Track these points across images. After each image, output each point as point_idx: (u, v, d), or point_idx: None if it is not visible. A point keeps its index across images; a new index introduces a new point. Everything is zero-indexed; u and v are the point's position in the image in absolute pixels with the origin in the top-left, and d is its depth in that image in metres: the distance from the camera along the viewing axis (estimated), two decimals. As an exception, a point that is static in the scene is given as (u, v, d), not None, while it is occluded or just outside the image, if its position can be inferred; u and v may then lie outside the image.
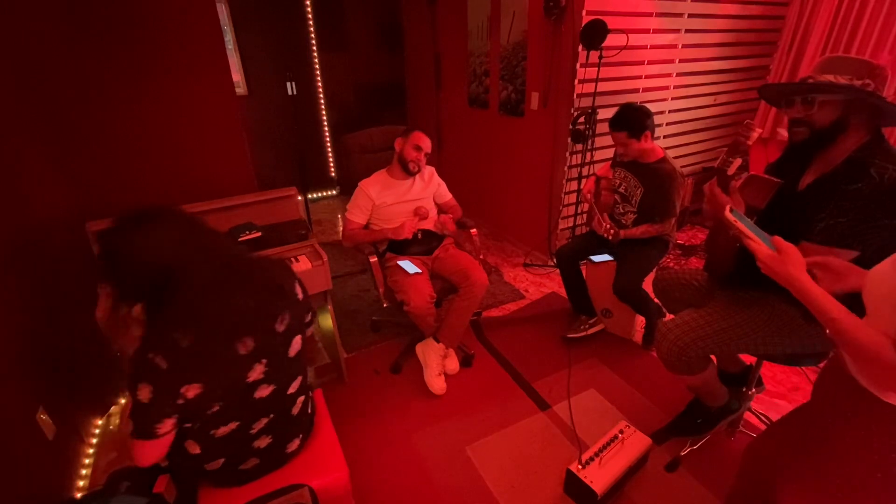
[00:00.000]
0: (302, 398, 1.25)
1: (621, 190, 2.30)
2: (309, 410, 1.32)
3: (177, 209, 1.05)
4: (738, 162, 1.27)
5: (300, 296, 1.21)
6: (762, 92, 1.35)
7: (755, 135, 1.27)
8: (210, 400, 1.03)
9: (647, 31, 2.87)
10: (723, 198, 1.29)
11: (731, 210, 1.12)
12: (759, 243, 1.04)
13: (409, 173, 2.21)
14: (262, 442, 1.17)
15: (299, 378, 1.22)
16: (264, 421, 1.15)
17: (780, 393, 2.06)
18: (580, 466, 1.56)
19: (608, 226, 2.15)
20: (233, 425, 1.10)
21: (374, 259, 2.16)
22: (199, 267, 0.99)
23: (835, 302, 0.85)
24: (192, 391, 0.99)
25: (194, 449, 1.12)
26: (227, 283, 1.03)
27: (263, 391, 1.12)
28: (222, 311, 1.02)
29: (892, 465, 0.79)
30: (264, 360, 1.09)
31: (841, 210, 1.16)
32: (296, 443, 1.26)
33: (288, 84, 3.13)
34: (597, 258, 2.34)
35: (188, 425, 1.07)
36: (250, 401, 1.10)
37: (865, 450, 0.81)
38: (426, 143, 2.17)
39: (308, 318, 1.27)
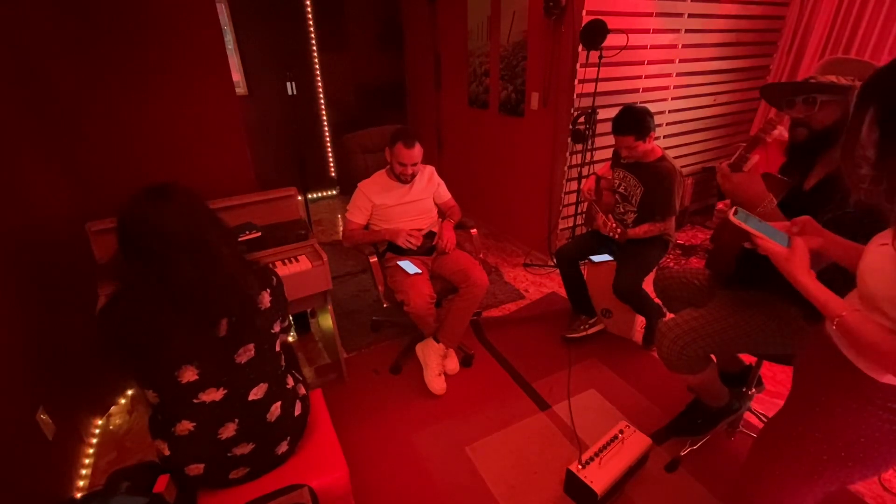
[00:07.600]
0: (278, 403, 1.22)
1: (621, 190, 2.29)
2: (296, 413, 1.28)
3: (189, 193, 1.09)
4: (755, 158, 1.23)
5: (265, 305, 1.19)
6: (764, 92, 1.36)
7: (776, 132, 1.23)
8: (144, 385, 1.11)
9: (647, 31, 2.87)
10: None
11: (736, 212, 1.04)
12: (768, 241, 1.00)
13: (403, 183, 2.21)
14: (244, 449, 1.17)
15: (263, 385, 1.19)
16: (231, 427, 1.14)
17: (780, 393, 2.06)
18: (580, 466, 1.56)
19: (613, 225, 2.15)
20: (188, 425, 1.10)
21: (374, 259, 2.16)
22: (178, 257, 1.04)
23: (838, 299, 0.92)
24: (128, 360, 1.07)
25: (165, 450, 1.13)
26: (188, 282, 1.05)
27: (212, 395, 1.11)
28: (164, 308, 1.05)
29: (884, 433, 0.92)
30: (195, 363, 1.08)
31: (846, 202, 1.17)
32: (284, 445, 1.25)
33: (288, 84, 3.14)
34: (597, 258, 2.34)
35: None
36: (195, 402, 1.10)
37: (860, 420, 0.94)
38: (409, 158, 2.10)
39: (276, 327, 1.24)
